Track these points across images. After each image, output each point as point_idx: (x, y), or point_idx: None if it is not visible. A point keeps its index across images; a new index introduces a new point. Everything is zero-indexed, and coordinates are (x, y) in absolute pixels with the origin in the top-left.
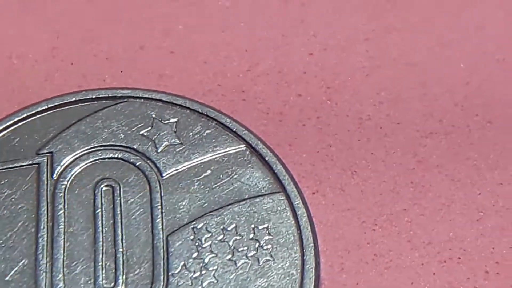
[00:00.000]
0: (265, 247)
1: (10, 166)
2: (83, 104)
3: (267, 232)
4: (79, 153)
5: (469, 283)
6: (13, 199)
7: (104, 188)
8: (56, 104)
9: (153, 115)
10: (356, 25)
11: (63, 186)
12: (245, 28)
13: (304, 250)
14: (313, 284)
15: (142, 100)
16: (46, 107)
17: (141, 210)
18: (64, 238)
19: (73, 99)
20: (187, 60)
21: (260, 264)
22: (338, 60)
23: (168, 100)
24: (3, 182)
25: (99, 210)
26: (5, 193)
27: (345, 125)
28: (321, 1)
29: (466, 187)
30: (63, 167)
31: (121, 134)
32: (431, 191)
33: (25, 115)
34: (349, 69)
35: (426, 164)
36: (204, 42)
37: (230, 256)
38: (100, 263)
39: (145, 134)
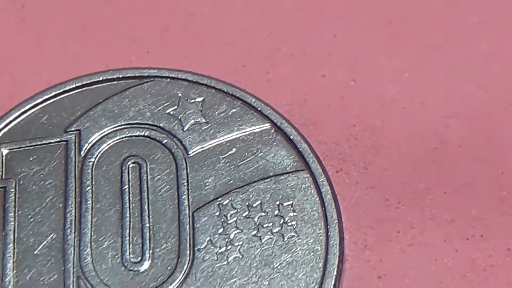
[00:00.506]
0: (289, 224)
1: (39, 143)
2: (110, 83)
3: (291, 208)
4: (106, 131)
5: (491, 260)
6: (41, 175)
7: (131, 165)
8: (84, 83)
9: (179, 94)
10: (379, 9)
11: (91, 163)
12: (270, 11)
13: (328, 227)
14: (337, 259)
15: (168, 80)
16: (74, 86)
17: (168, 186)
18: (91, 214)
19: (100, 78)
20: (212, 42)
21: (285, 240)
22: (362, 42)
23: (194, 80)
24: (31, 158)
25: (126, 186)
26: (34, 169)
27: (368, 106)
28: None
29: (489, 167)
30: (90, 144)
31: (148, 113)
32: (454, 170)
33: (53, 93)
34: (373, 51)
35: (449, 144)
36: (229, 24)
37: (255, 232)
38: (127, 238)
39: (171, 112)
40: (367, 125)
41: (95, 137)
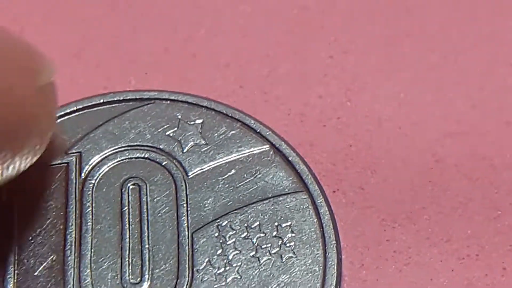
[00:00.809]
0: (288, 244)
1: (38, 165)
2: (110, 105)
3: (290, 229)
4: (107, 153)
5: (487, 279)
6: (42, 197)
7: (131, 187)
8: (84, 105)
9: (179, 116)
10: (376, 31)
11: (91, 185)
12: (266, 33)
13: (326, 247)
14: (335, 280)
15: (168, 102)
16: (74, 108)
17: (167, 208)
18: (91, 235)
19: (101, 101)
20: (209, 63)
21: (283, 260)
22: (358, 63)
23: (194, 102)
24: (31, 180)
25: (126, 208)
26: (35, 191)
27: (364, 126)
28: (340, 9)
29: (484, 186)
30: (91, 166)
31: (148, 135)
32: (449, 189)
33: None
34: (369, 71)
35: (445, 164)
36: (225, 46)
37: (253, 252)
38: (127, 259)
39: (171, 134)
40: (363, 145)
41: (96, 159)
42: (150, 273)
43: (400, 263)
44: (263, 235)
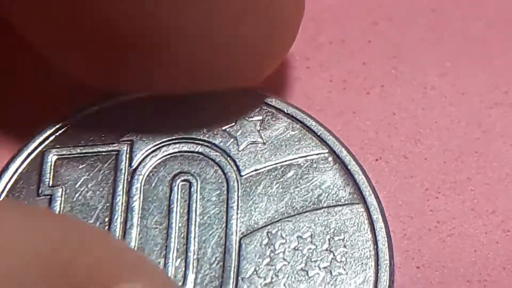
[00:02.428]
0: (339, 260)
1: (90, 151)
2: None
3: (342, 244)
4: (160, 143)
5: None
6: (90, 185)
7: (181, 183)
8: (140, 95)
9: (238, 112)
10: None
11: (140, 177)
12: None
13: (379, 267)
14: None
15: (228, 97)
16: (130, 96)
17: (217, 209)
18: (137, 231)
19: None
20: None
21: (333, 276)
22: (403, 31)
23: (254, 98)
24: (81, 166)
25: (174, 205)
26: (83, 179)
27: (409, 94)
28: None
29: None
30: (142, 156)
31: (204, 128)
32: (496, 161)
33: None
34: (414, 39)
35: (491, 134)
36: None
37: (302, 265)
38: (170, 260)
39: (228, 130)
40: (407, 114)
41: (147, 149)
42: (193, 277)
43: (443, 234)
44: (314, 247)
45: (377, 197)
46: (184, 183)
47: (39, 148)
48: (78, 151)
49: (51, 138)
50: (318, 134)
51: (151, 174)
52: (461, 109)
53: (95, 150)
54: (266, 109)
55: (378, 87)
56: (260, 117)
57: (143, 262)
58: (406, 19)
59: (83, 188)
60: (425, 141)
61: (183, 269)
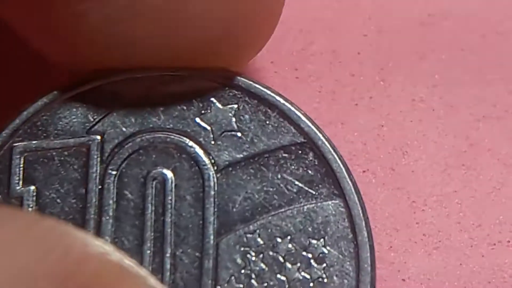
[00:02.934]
0: (318, 263)
1: (59, 146)
2: (138, 81)
3: (322, 245)
4: (132, 135)
5: None
6: (61, 182)
7: (155, 180)
8: (110, 79)
9: (212, 98)
10: (412, 10)
11: (113, 173)
12: (300, 8)
13: (360, 270)
14: None
15: (201, 81)
16: (99, 83)
17: (192, 209)
18: (111, 232)
19: (127, 76)
20: None
21: (312, 280)
22: (393, 42)
23: (229, 82)
24: (51, 164)
25: (149, 204)
26: (54, 175)
27: (397, 106)
28: None
29: None
30: (114, 150)
31: (177, 117)
32: (482, 174)
33: (78, 90)
34: (404, 51)
35: (478, 147)
36: None
37: (281, 269)
38: (146, 263)
39: (202, 118)
40: (395, 126)
41: (119, 141)
42: (170, 282)
43: (429, 247)
44: (293, 249)
45: (357, 192)
46: (158, 180)
47: (7, 144)
48: (47, 146)
49: (19, 132)
50: (296, 121)
51: (124, 171)
52: (449, 122)
53: (65, 144)
54: (241, 95)
55: (366, 99)
56: (235, 105)
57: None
58: (396, 31)
59: (55, 187)
60: (412, 153)
61: (160, 274)
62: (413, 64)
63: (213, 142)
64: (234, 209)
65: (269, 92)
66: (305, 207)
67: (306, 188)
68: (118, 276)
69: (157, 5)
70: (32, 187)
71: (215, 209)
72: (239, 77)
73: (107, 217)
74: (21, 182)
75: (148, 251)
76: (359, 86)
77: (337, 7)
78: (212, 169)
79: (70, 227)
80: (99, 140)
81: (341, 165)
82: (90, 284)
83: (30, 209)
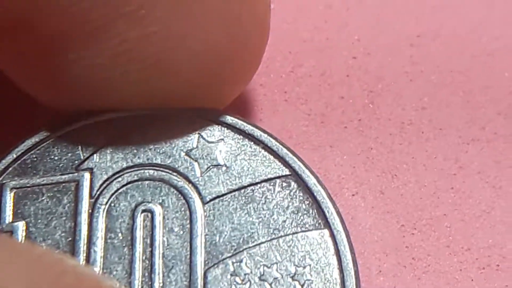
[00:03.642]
0: None
1: (49, 182)
2: (126, 119)
3: (308, 272)
4: (120, 171)
5: None
6: (51, 217)
7: (143, 213)
8: (98, 118)
9: (198, 134)
10: (401, 31)
11: (102, 207)
12: (289, 30)
13: None
14: None
15: (188, 117)
16: (87, 121)
17: (180, 240)
18: (100, 264)
19: (117, 115)
20: None
21: None
22: (382, 65)
23: (215, 119)
24: (41, 199)
25: (137, 237)
26: (43, 211)
27: (386, 129)
28: (366, 6)
29: (507, 195)
30: (103, 185)
31: (164, 153)
32: (472, 197)
33: (68, 128)
34: (393, 73)
35: (467, 170)
36: None
37: None
38: None
39: (188, 153)
40: (384, 149)
41: (108, 177)
42: None
43: (418, 271)
44: (280, 276)
45: (342, 221)
46: (146, 213)
47: None
48: (37, 182)
49: (9, 169)
50: (281, 156)
51: (112, 205)
52: (438, 145)
53: (54, 180)
54: (227, 131)
55: (355, 121)
56: (221, 139)
57: None
58: (384, 54)
59: (44, 222)
60: (401, 176)
61: None
62: (402, 87)
63: (200, 177)
64: (221, 240)
65: (254, 128)
66: (291, 236)
67: (291, 219)
68: None
69: (147, 55)
70: (22, 222)
71: (203, 240)
72: (225, 115)
73: (96, 249)
74: (11, 217)
75: (137, 281)
76: (348, 109)
77: (326, 28)
78: (199, 202)
79: (62, 255)
80: (88, 176)
81: (325, 196)
82: None
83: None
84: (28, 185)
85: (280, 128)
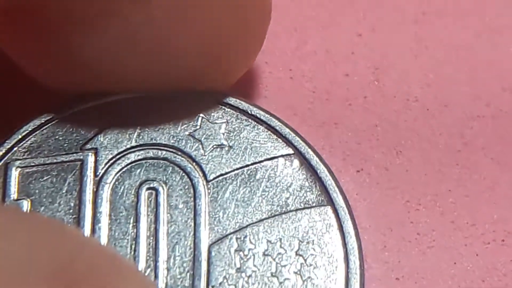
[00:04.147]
0: (309, 264)
1: (54, 161)
2: (130, 101)
3: (312, 247)
4: (124, 150)
5: None
6: (56, 197)
7: (147, 191)
8: (103, 100)
9: (202, 115)
10: (406, 8)
11: (106, 186)
12: (294, 7)
13: (349, 270)
14: None
15: (191, 99)
16: (92, 102)
17: (184, 217)
18: (105, 242)
19: (120, 96)
20: None
21: (304, 281)
22: (387, 42)
23: (218, 100)
24: (45, 178)
25: (141, 214)
26: (48, 190)
27: (391, 106)
28: None
29: (511, 171)
30: (107, 165)
31: (168, 133)
32: (477, 173)
33: (72, 109)
34: (398, 50)
35: (472, 147)
36: None
37: (273, 270)
38: (140, 270)
39: (192, 134)
40: (389, 126)
41: (112, 157)
42: (163, 286)
43: (423, 246)
44: (284, 251)
45: (345, 198)
46: (150, 191)
47: (2, 161)
48: (42, 161)
49: (14, 149)
50: (284, 135)
51: (117, 183)
52: (443, 121)
53: (59, 160)
54: (229, 111)
55: (360, 98)
56: (224, 120)
57: (134, 270)
58: (390, 30)
59: (49, 200)
60: (406, 153)
61: (153, 279)
62: (407, 63)
63: (203, 156)
64: (225, 216)
65: (257, 109)
66: (294, 212)
67: (295, 196)
68: (112, 269)
69: (150, 38)
70: (27, 200)
71: (206, 217)
72: (228, 96)
73: (100, 226)
74: (16, 195)
75: (142, 257)
76: (353, 86)
77: (331, 6)
78: (203, 180)
79: (62, 223)
80: (93, 155)
81: (328, 174)
82: (84, 278)
83: None
84: (33, 164)
85: (285, 105)
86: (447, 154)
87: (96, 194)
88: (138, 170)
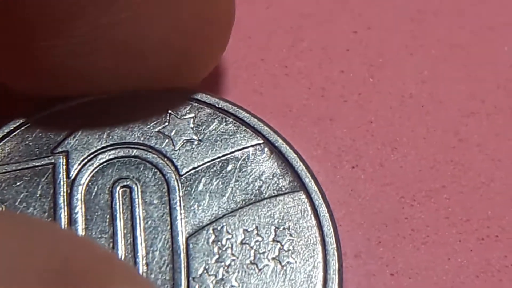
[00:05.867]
0: (286, 249)
1: (25, 166)
2: (97, 102)
3: (288, 233)
4: (95, 151)
5: (506, 261)
6: (30, 202)
7: (121, 189)
8: (70, 103)
9: (169, 111)
10: (401, 6)
11: (80, 187)
12: (290, 5)
13: (327, 252)
14: (336, 286)
15: (158, 96)
16: (60, 105)
17: (160, 211)
18: None
19: (87, 98)
20: (231, 34)
21: (282, 266)
22: (382, 39)
23: (185, 96)
24: (18, 183)
25: (117, 212)
26: (22, 195)
27: (386, 102)
28: None
29: (506, 168)
30: (79, 166)
31: (137, 131)
32: (471, 169)
33: (41, 113)
34: (393, 48)
35: (467, 143)
36: (249, 17)
37: (251, 258)
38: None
39: (161, 130)
40: (384, 122)
41: (84, 158)
42: None
43: (417, 242)
44: (261, 239)
45: (317, 183)
46: (124, 189)
47: None
48: (14, 168)
49: None
50: (252, 125)
51: (90, 184)
52: (438, 118)
53: (31, 165)
54: (197, 106)
55: (355, 95)
56: (193, 114)
57: (131, 271)
58: (385, 28)
59: (23, 205)
60: (401, 149)
61: None
62: (403, 60)
63: (174, 151)
64: (201, 210)
65: (224, 102)
66: (268, 199)
67: (267, 183)
68: (108, 269)
69: (117, 40)
70: (1, 206)
71: (182, 210)
72: (195, 92)
73: (77, 227)
74: None
75: (121, 253)
76: (348, 83)
77: (326, 3)
78: (176, 174)
79: (57, 224)
80: (64, 158)
81: (299, 160)
82: (80, 278)
83: None
84: (4, 171)
85: (281, 101)
86: (442, 150)
87: (70, 196)
88: (111, 170)
